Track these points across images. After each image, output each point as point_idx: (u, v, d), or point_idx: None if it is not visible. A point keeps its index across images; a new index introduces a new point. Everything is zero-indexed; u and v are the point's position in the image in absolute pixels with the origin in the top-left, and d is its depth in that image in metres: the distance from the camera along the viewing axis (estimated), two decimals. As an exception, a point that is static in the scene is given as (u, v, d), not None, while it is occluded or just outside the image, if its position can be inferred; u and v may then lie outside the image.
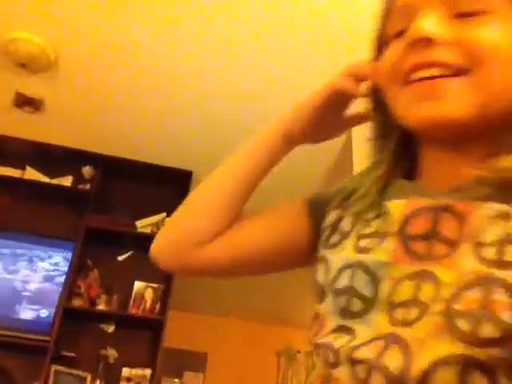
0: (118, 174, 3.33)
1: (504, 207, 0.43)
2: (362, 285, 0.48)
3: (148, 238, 3.17)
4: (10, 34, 2.45)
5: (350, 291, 0.49)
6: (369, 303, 0.47)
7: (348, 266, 0.51)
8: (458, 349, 0.38)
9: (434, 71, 0.45)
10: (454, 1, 0.47)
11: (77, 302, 2.90)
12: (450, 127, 0.47)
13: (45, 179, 3.19)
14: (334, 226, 0.59)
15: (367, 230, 0.53)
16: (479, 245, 0.42)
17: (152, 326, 3.00)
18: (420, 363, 0.39)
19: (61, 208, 3.17)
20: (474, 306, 0.40)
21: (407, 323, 0.42)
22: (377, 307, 0.46)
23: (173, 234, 0.68)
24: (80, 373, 2.83)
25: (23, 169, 3.19)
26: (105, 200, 3.24)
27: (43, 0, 2.30)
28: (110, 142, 3.21)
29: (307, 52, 2.40)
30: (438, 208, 0.47)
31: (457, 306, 0.40)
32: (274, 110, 2.79)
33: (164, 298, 3.03)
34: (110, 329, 3.02)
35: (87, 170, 3.23)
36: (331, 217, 0.61)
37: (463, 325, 0.39)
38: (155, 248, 0.68)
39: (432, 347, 0.40)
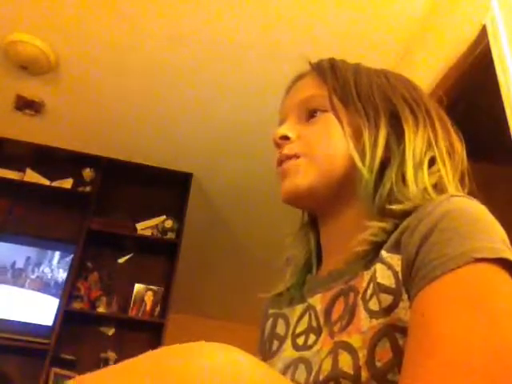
0: (118, 177, 3.33)
1: (372, 268, 0.57)
2: (301, 375, 0.59)
3: (148, 241, 3.20)
4: (11, 37, 2.46)
5: None
6: None
7: (289, 364, 0.63)
8: None
9: (288, 162, 0.68)
10: (303, 108, 0.70)
11: (77, 305, 2.89)
12: (303, 194, 0.66)
13: (45, 182, 3.18)
14: (271, 335, 0.71)
15: (299, 329, 0.66)
16: (366, 301, 0.56)
17: (152, 329, 2.99)
18: None
19: (61, 210, 3.16)
20: (387, 356, 0.50)
21: None
22: None
23: None
24: (80, 376, 2.82)
25: (23, 171, 3.19)
26: (105, 202, 3.24)
27: (44, 3, 2.31)
28: (111, 145, 3.21)
29: (307, 52, 2.40)
30: (344, 291, 0.61)
31: (378, 364, 0.51)
32: (276, 112, 2.79)
33: (164, 300, 3.02)
34: (110, 331, 3.02)
35: (87, 173, 3.23)
36: (267, 327, 0.74)
37: (394, 377, 0.50)
38: None
39: None
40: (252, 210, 3.72)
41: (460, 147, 0.68)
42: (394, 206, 0.59)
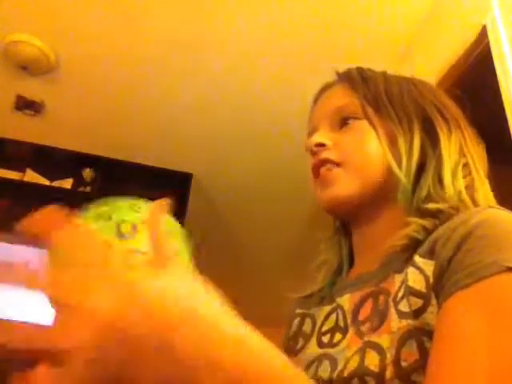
0: (118, 177, 3.33)
1: (404, 271, 0.58)
2: (325, 370, 0.61)
3: (148, 241, 3.20)
4: (11, 37, 2.46)
5: (316, 379, 0.61)
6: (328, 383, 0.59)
7: (313, 360, 0.64)
8: None
9: (326, 166, 0.69)
10: (336, 117, 0.71)
11: (77, 305, 2.89)
12: (344, 203, 0.68)
13: (45, 182, 3.18)
14: (298, 332, 0.73)
15: (325, 327, 0.67)
16: (396, 303, 0.57)
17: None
18: None
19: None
20: (413, 357, 0.51)
21: None
22: None
23: None
24: (80, 376, 2.82)
25: (23, 171, 3.19)
26: (105, 203, 3.24)
27: (44, 3, 2.31)
28: (111, 145, 3.21)
29: (310, 53, 2.40)
30: (374, 292, 0.62)
31: (403, 364, 0.52)
32: (276, 112, 2.79)
33: (164, 300, 3.02)
34: (110, 332, 3.01)
35: (88, 173, 3.23)
36: (294, 324, 0.75)
37: (417, 377, 0.50)
38: None
39: None
40: (252, 211, 3.72)
41: (482, 150, 0.70)
42: (429, 206, 0.61)
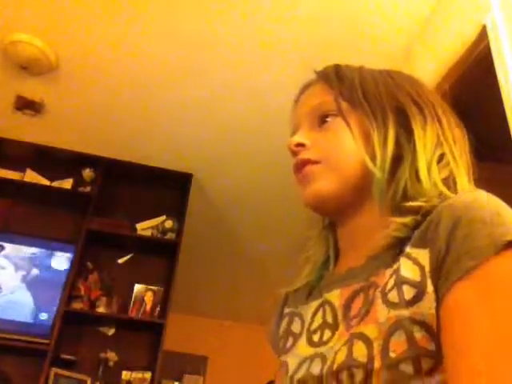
0: (118, 177, 3.33)
1: (395, 265, 0.58)
2: (316, 367, 0.61)
3: (148, 241, 3.20)
4: (11, 37, 2.46)
5: (307, 377, 0.61)
6: (319, 380, 0.59)
7: (305, 359, 0.64)
8: None
9: (307, 166, 0.70)
10: (315, 115, 0.72)
11: (77, 305, 2.89)
12: (325, 199, 0.68)
13: (45, 182, 3.19)
14: (287, 332, 0.73)
15: (314, 325, 0.66)
16: (385, 294, 0.57)
17: (152, 329, 2.99)
18: None
19: (61, 211, 3.16)
20: (401, 348, 0.51)
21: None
22: (325, 380, 0.58)
23: None
24: (80, 376, 2.82)
25: (24, 171, 3.19)
26: (105, 203, 3.24)
27: (44, 3, 2.31)
28: (111, 145, 3.21)
29: (311, 53, 2.40)
30: (365, 287, 0.62)
31: (392, 354, 0.51)
32: (276, 112, 2.79)
33: (164, 300, 3.02)
34: (110, 332, 3.02)
35: (87, 173, 3.23)
36: (283, 325, 0.75)
37: (406, 367, 0.50)
38: None
39: None
40: (252, 211, 3.73)
41: (461, 134, 0.70)
42: (408, 204, 0.61)
